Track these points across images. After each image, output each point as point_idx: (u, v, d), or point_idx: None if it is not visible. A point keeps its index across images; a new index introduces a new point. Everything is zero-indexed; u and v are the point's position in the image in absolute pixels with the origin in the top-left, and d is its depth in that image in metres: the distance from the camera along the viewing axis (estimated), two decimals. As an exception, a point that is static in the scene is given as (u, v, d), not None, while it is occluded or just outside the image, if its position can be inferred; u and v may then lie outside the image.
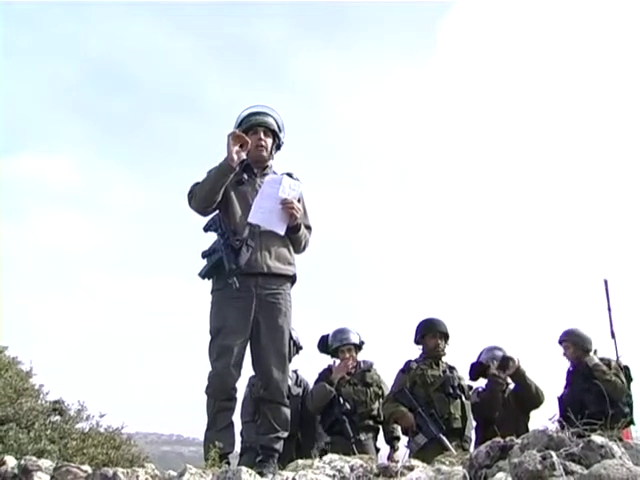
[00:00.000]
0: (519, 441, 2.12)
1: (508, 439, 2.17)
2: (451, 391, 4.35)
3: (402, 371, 4.50)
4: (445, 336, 4.56)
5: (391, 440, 4.72)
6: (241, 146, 3.36)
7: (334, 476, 2.30)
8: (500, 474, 1.97)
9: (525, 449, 2.02)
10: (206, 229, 3.46)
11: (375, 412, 4.63)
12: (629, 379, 4.55)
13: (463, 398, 4.39)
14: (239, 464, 3.43)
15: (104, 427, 4.74)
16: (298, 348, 4.71)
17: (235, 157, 3.32)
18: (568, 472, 1.84)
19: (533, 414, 4.60)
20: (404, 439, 4.50)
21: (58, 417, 4.75)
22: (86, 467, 2.65)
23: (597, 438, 1.96)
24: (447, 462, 2.45)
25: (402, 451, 4.53)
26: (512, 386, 4.69)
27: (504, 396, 4.63)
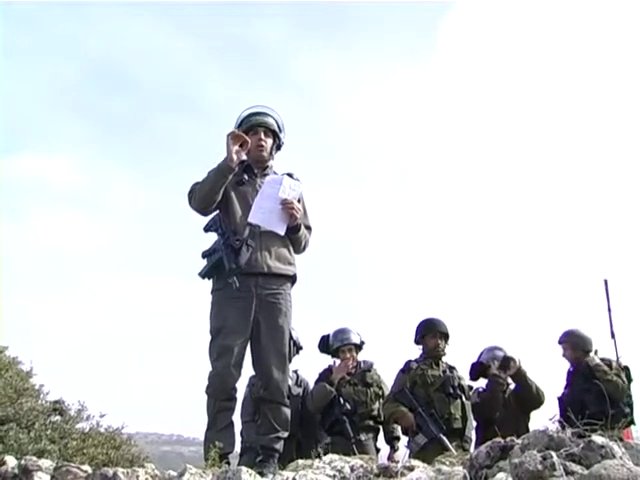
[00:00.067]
0: (519, 441, 2.12)
1: (508, 439, 2.17)
2: (451, 391, 4.35)
3: (402, 371, 4.50)
4: (445, 336, 4.56)
5: (391, 440, 4.71)
6: (241, 145, 3.36)
7: (334, 476, 2.30)
8: (500, 474, 1.97)
9: (525, 449, 2.02)
10: (206, 229, 3.46)
11: (375, 412, 4.63)
12: (629, 379, 4.55)
13: (463, 398, 4.39)
14: (239, 464, 3.43)
15: (104, 427, 4.74)
16: (298, 348, 4.71)
17: (234, 157, 3.32)
18: (568, 472, 1.84)
19: (533, 414, 4.60)
20: (404, 439, 4.50)
21: (58, 417, 4.75)
22: (86, 467, 2.64)
23: (597, 438, 1.96)
24: (447, 462, 2.45)
25: (402, 451, 4.53)
26: (512, 386, 4.69)
27: (504, 396, 4.63)
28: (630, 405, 4.46)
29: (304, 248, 3.57)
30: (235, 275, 3.23)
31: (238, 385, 3.32)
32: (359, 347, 4.81)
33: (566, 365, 4.77)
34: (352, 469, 2.35)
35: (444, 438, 4.12)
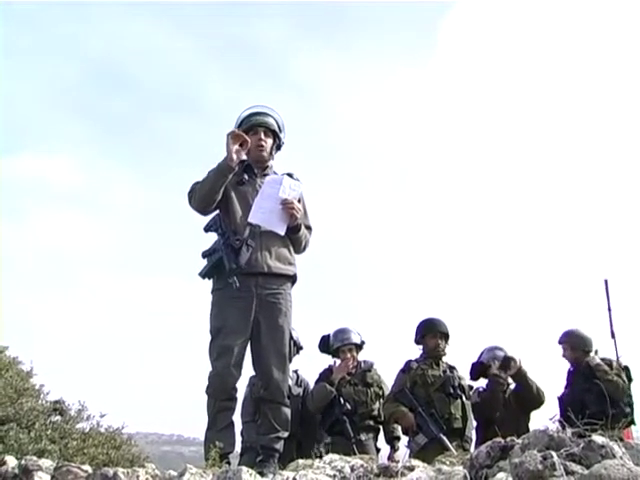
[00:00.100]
0: (520, 441, 2.12)
1: (509, 439, 2.17)
2: (451, 391, 4.35)
3: (402, 371, 4.50)
4: (445, 336, 4.56)
5: (391, 440, 4.71)
6: (241, 145, 3.36)
7: (334, 476, 2.30)
8: (501, 474, 1.97)
9: (526, 449, 2.02)
10: (207, 229, 3.46)
11: (375, 412, 4.63)
12: (629, 379, 4.55)
13: (463, 398, 4.39)
14: (239, 464, 3.43)
15: (105, 427, 4.74)
16: (298, 348, 4.71)
17: (234, 156, 3.32)
18: (569, 472, 1.84)
19: (534, 414, 4.60)
20: (404, 439, 4.50)
21: (59, 417, 4.75)
22: (86, 467, 2.64)
23: (598, 438, 1.96)
24: (448, 462, 2.45)
25: (402, 451, 4.53)
26: (513, 386, 4.69)
27: (505, 396, 4.63)
28: (630, 405, 4.46)
29: (304, 248, 3.57)
30: (235, 275, 3.23)
31: (238, 385, 3.32)
32: (359, 347, 4.81)
33: (566, 365, 4.77)
34: (352, 469, 2.35)
35: (444, 438, 4.12)
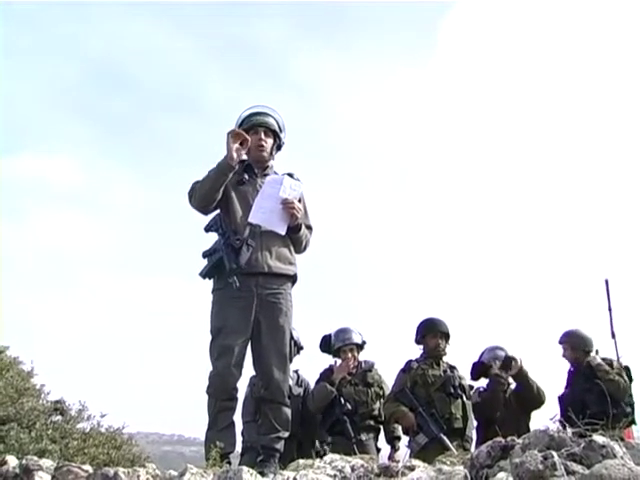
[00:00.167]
0: (520, 441, 2.12)
1: (509, 439, 2.17)
2: (452, 391, 4.34)
3: (403, 371, 4.50)
4: (446, 336, 4.55)
5: (392, 440, 4.71)
6: (241, 144, 3.36)
7: (335, 476, 2.30)
8: (501, 474, 1.97)
9: (526, 449, 2.02)
10: (207, 229, 3.46)
11: (376, 412, 4.63)
12: (630, 379, 4.55)
13: (464, 398, 4.39)
14: (240, 464, 3.44)
15: (105, 427, 4.75)
16: (299, 348, 4.71)
17: (235, 155, 3.32)
18: (569, 472, 1.84)
19: (534, 414, 4.60)
20: (405, 439, 4.49)
21: (59, 417, 4.75)
22: (87, 467, 2.65)
23: (598, 438, 1.96)
24: (448, 462, 2.45)
25: (403, 451, 4.53)
26: (513, 386, 4.69)
27: (505, 396, 4.63)
28: (631, 405, 4.46)
29: (305, 248, 3.57)
30: (235, 275, 3.23)
31: (239, 385, 3.32)
32: (360, 347, 4.80)
33: (566, 365, 4.77)
34: (353, 469, 2.35)
35: (445, 438, 4.12)
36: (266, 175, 3.53)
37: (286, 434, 3.34)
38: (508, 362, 4.57)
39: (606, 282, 5.06)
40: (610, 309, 5.01)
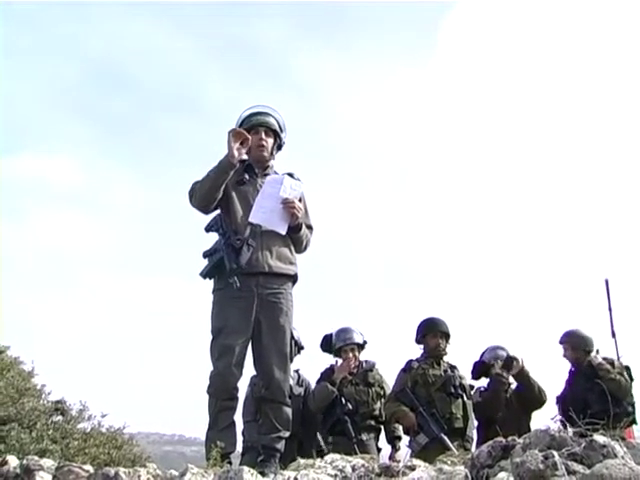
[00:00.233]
0: (521, 441, 2.12)
1: (510, 439, 2.17)
2: (452, 391, 4.34)
3: (403, 371, 4.49)
4: (446, 335, 4.55)
5: (393, 440, 4.71)
6: (242, 143, 3.36)
7: (336, 476, 2.30)
8: (502, 474, 1.97)
9: (527, 449, 2.02)
10: (207, 229, 3.46)
11: (377, 412, 4.63)
12: (630, 379, 4.55)
13: (464, 398, 4.39)
14: (241, 464, 3.44)
15: (106, 427, 4.76)
16: (300, 348, 4.71)
17: (236, 153, 3.32)
18: (570, 472, 1.84)
19: (535, 414, 4.60)
20: (406, 439, 4.49)
21: (60, 417, 4.76)
22: (88, 467, 2.65)
23: (599, 438, 1.96)
24: (449, 462, 2.45)
25: (404, 451, 4.53)
26: (514, 386, 4.69)
27: (506, 396, 4.63)
28: (632, 404, 4.46)
29: (305, 247, 3.57)
30: (236, 275, 3.22)
31: (240, 385, 3.32)
32: (362, 347, 4.80)
33: (565, 364, 4.77)
34: (353, 468, 2.35)
35: (445, 438, 4.12)
36: (266, 175, 3.53)
37: (287, 434, 3.34)
38: (509, 362, 4.57)
39: (606, 282, 5.06)
40: (610, 309, 5.02)
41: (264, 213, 3.36)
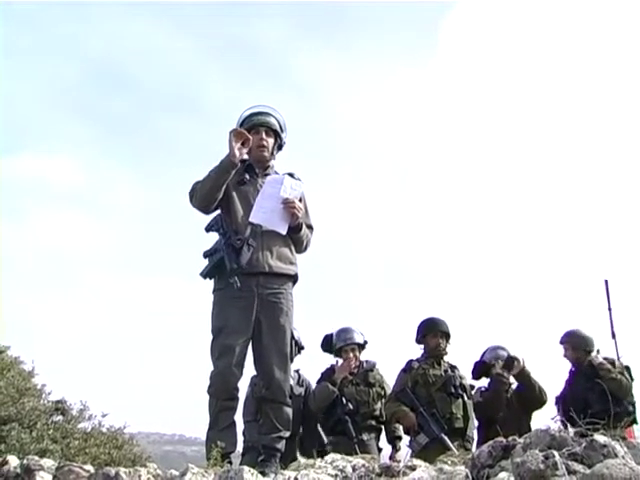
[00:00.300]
0: (521, 441, 2.12)
1: (510, 439, 2.17)
2: (453, 391, 4.34)
3: (404, 371, 4.49)
4: (446, 335, 4.55)
5: (393, 440, 4.71)
6: (243, 143, 3.36)
7: (336, 476, 2.30)
8: (502, 474, 1.97)
9: (527, 449, 2.02)
10: (208, 229, 3.46)
11: (377, 412, 4.62)
12: (631, 379, 4.55)
13: (465, 397, 4.38)
14: (241, 463, 3.44)
15: (106, 427, 4.76)
16: (300, 348, 4.70)
17: (237, 153, 3.32)
18: (571, 472, 1.84)
19: (535, 414, 4.60)
20: (406, 439, 4.49)
21: (60, 417, 4.76)
22: (88, 467, 2.65)
23: (600, 437, 1.96)
24: (449, 462, 2.45)
25: (404, 451, 4.53)
26: (515, 386, 4.69)
27: (507, 396, 4.63)
28: (633, 404, 4.46)
29: (306, 247, 3.57)
30: (236, 275, 3.22)
31: (240, 385, 3.32)
32: (362, 347, 4.80)
33: (566, 364, 4.77)
34: (354, 468, 2.35)
35: (446, 438, 4.11)
36: (267, 175, 3.53)
37: (287, 434, 3.34)
38: (510, 362, 4.57)
39: (606, 282, 5.07)
40: (610, 309, 5.03)
41: (264, 213, 3.36)
